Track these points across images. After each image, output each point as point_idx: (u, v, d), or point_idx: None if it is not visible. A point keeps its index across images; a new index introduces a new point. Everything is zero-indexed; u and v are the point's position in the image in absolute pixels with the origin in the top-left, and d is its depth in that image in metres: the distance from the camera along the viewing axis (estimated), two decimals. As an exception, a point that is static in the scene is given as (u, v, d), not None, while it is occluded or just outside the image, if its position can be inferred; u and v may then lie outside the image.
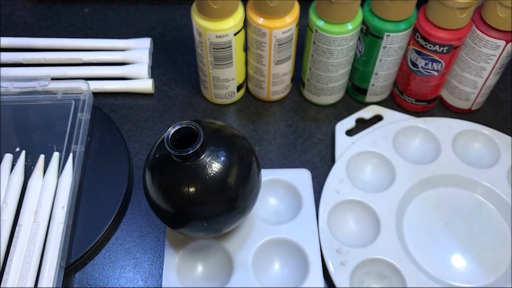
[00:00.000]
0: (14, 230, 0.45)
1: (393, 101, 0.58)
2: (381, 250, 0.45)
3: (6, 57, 0.59)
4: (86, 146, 0.51)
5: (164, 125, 0.56)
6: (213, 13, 0.47)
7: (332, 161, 0.53)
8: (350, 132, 0.54)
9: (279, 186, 0.50)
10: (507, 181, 0.50)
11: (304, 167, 0.52)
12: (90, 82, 0.55)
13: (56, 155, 0.50)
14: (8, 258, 0.43)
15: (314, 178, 0.51)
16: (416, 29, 0.49)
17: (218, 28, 0.48)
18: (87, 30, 0.64)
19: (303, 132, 0.56)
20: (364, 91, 0.56)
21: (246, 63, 0.55)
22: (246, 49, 0.53)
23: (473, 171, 0.50)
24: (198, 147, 0.37)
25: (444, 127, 0.53)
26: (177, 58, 0.62)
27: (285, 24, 0.48)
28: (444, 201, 0.50)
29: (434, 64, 0.50)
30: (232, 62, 0.52)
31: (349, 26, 0.48)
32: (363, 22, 0.50)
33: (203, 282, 0.45)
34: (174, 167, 0.38)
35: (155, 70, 0.60)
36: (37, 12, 0.66)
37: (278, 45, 0.50)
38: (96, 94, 0.57)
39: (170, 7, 0.67)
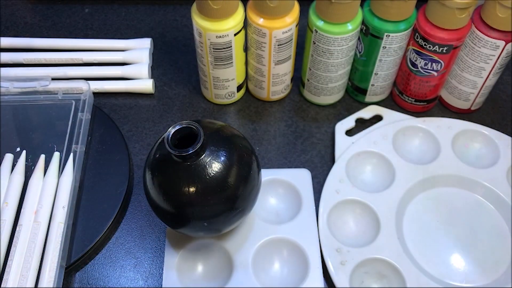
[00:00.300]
0: (15, 230, 0.45)
1: (392, 101, 0.58)
2: (381, 249, 0.46)
3: (7, 57, 0.59)
4: (86, 146, 0.52)
5: (164, 125, 0.56)
6: (213, 14, 0.47)
7: (332, 161, 0.53)
8: (350, 132, 0.54)
9: (279, 186, 0.50)
10: (507, 181, 0.50)
11: (304, 167, 0.52)
12: (90, 82, 0.55)
13: (56, 155, 0.50)
14: (9, 258, 0.44)
15: (314, 178, 0.51)
16: (415, 29, 0.49)
17: (218, 28, 0.48)
18: (87, 30, 0.64)
19: (303, 132, 0.56)
20: (364, 91, 0.56)
21: (246, 63, 0.55)
22: (246, 49, 0.53)
23: (473, 171, 0.51)
24: (198, 147, 0.37)
25: (443, 127, 0.53)
26: (177, 58, 0.62)
27: (285, 25, 0.48)
28: (443, 201, 0.50)
29: (434, 64, 0.50)
30: (232, 62, 0.52)
31: (349, 26, 0.48)
32: (363, 22, 0.50)
33: (203, 282, 0.45)
34: (174, 167, 0.39)
35: (155, 70, 0.60)
36: (37, 12, 0.66)
37: (278, 45, 0.50)
38: (97, 94, 0.57)
39: (170, 7, 0.67)
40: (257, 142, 0.55)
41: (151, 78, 0.59)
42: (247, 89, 0.58)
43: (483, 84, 0.52)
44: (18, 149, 0.51)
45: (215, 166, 0.38)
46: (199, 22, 0.48)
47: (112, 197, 0.49)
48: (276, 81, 0.55)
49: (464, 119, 0.54)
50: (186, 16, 0.66)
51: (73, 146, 0.50)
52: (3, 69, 0.57)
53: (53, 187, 0.48)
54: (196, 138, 0.37)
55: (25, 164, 0.50)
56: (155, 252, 0.48)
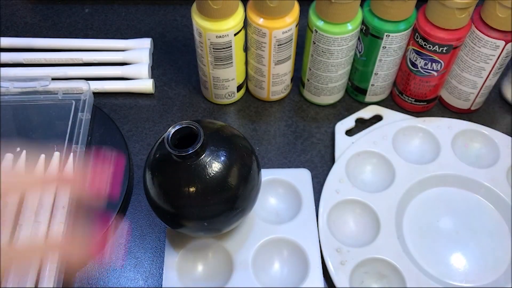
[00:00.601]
0: (15, 230, 0.45)
1: (392, 101, 0.58)
2: (380, 249, 0.46)
3: (7, 57, 0.59)
4: (86, 146, 0.52)
5: (164, 125, 0.56)
6: (213, 14, 0.47)
7: (332, 161, 0.53)
8: (349, 132, 0.54)
9: (279, 186, 0.50)
10: (507, 181, 0.50)
11: (304, 167, 0.52)
12: (90, 82, 0.55)
13: (56, 155, 0.50)
14: (9, 258, 0.44)
15: (314, 178, 0.51)
16: (415, 29, 0.49)
17: (218, 28, 0.48)
18: (87, 30, 0.64)
19: (303, 132, 0.56)
20: (363, 91, 0.56)
21: (246, 63, 0.55)
22: (246, 49, 0.53)
23: (473, 171, 0.51)
24: (198, 147, 0.37)
25: (443, 127, 0.53)
26: (177, 58, 0.62)
27: (285, 24, 0.48)
28: (443, 201, 0.50)
29: (434, 64, 0.50)
30: (232, 62, 0.52)
31: (349, 26, 0.48)
32: (363, 22, 0.50)
33: (203, 281, 0.45)
34: (174, 167, 0.39)
35: (155, 70, 0.60)
36: (37, 12, 0.66)
37: (278, 45, 0.50)
38: (97, 94, 0.57)
39: (170, 7, 0.67)
40: (257, 142, 0.55)
41: (151, 78, 0.59)
42: (247, 89, 0.58)
43: (483, 84, 0.52)
44: (18, 149, 0.51)
45: (215, 166, 0.39)
46: (199, 22, 0.48)
47: (112, 197, 0.49)
48: (276, 81, 0.55)
49: (464, 119, 0.54)
50: (186, 16, 0.66)
51: (73, 146, 0.50)
52: (3, 69, 0.57)
53: (53, 187, 0.48)
54: (196, 138, 0.37)
55: (25, 164, 0.50)
56: (155, 252, 0.48)
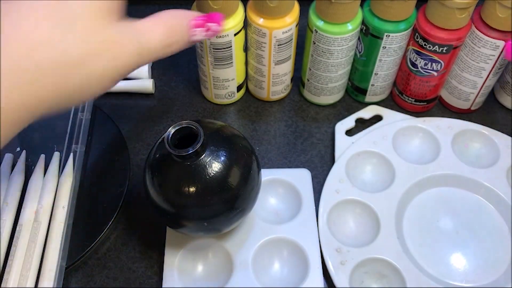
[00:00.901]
0: (15, 230, 0.45)
1: (392, 101, 0.58)
2: (380, 249, 0.46)
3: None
4: (86, 146, 0.51)
5: (164, 125, 0.56)
6: (213, 14, 0.47)
7: (332, 161, 0.53)
8: (349, 132, 0.54)
9: (279, 186, 0.50)
10: (507, 181, 0.50)
11: (304, 167, 0.52)
12: (90, 82, 0.55)
13: (56, 155, 0.50)
14: (9, 258, 0.44)
15: (314, 178, 0.51)
16: (415, 29, 0.49)
17: (218, 28, 0.48)
18: (87, 30, 0.64)
19: (303, 132, 0.56)
20: (363, 91, 0.56)
21: (246, 63, 0.55)
22: (246, 49, 0.53)
23: (473, 171, 0.51)
24: (198, 147, 0.37)
25: (443, 127, 0.53)
26: (177, 58, 0.62)
27: (285, 24, 0.48)
28: (443, 201, 0.50)
29: (434, 64, 0.50)
30: (232, 62, 0.52)
31: (349, 26, 0.48)
32: (363, 22, 0.50)
33: (203, 281, 0.45)
34: (174, 167, 0.39)
35: (155, 70, 0.60)
36: (37, 12, 0.66)
37: (278, 45, 0.50)
38: (97, 94, 0.57)
39: (170, 8, 0.66)
40: (257, 142, 0.55)
41: (151, 78, 0.59)
42: (247, 89, 0.59)
43: (483, 84, 0.52)
44: (18, 148, 0.51)
45: (215, 166, 0.39)
46: (199, 22, 0.48)
47: (112, 197, 0.49)
48: (276, 81, 0.55)
49: (464, 119, 0.54)
50: (186, 16, 0.66)
51: (73, 146, 0.50)
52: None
53: (53, 187, 0.48)
54: (196, 138, 0.37)
55: (25, 164, 0.50)
56: (155, 252, 0.48)
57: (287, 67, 0.54)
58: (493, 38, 0.48)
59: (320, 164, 0.53)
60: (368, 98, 0.57)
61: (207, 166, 0.38)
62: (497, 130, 0.53)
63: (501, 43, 0.48)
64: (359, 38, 0.51)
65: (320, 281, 0.44)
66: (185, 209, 0.40)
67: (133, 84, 0.58)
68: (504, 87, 0.56)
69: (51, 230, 0.45)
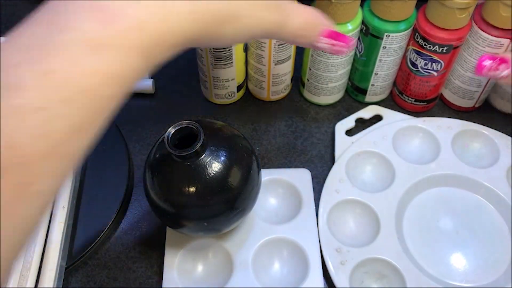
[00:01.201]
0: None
1: (392, 101, 0.58)
2: (380, 249, 0.46)
3: (7, 57, 0.59)
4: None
5: (164, 125, 0.56)
6: (213, 13, 0.47)
7: (332, 161, 0.53)
8: (349, 132, 0.54)
9: (279, 186, 0.50)
10: (507, 181, 0.50)
11: (304, 167, 0.52)
12: (90, 82, 0.55)
13: (56, 155, 0.50)
14: (9, 258, 0.44)
15: (314, 178, 0.51)
16: (415, 29, 0.49)
17: (218, 28, 0.48)
18: (87, 30, 0.64)
19: (303, 132, 0.56)
20: (363, 91, 0.56)
21: (246, 63, 0.55)
22: (246, 49, 0.53)
23: (473, 171, 0.51)
24: (198, 147, 0.37)
25: (443, 127, 0.53)
26: (177, 58, 0.61)
27: (285, 24, 0.48)
28: (443, 201, 0.50)
29: (434, 64, 0.50)
30: (232, 62, 0.52)
31: (349, 26, 0.48)
32: (363, 23, 0.50)
33: (203, 282, 0.45)
34: (174, 167, 0.39)
35: (155, 70, 0.60)
36: (37, 12, 0.66)
37: (278, 45, 0.50)
38: (97, 94, 0.57)
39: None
40: (257, 142, 0.55)
41: (151, 78, 0.59)
42: (247, 89, 0.58)
43: (488, 82, 0.52)
44: (18, 149, 0.51)
45: (215, 166, 0.39)
46: (199, 22, 0.48)
47: (112, 197, 0.49)
48: (276, 81, 0.55)
49: (464, 119, 0.54)
50: (186, 16, 0.66)
51: (73, 146, 0.50)
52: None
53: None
54: (196, 138, 0.37)
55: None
56: (155, 252, 0.48)
57: (287, 67, 0.54)
58: (497, 36, 0.48)
59: (320, 164, 0.53)
60: (368, 98, 0.57)
61: (207, 166, 0.38)
62: (497, 130, 0.53)
63: (505, 41, 0.48)
64: (359, 38, 0.51)
65: (320, 281, 0.44)
66: (185, 209, 0.40)
67: (133, 84, 0.58)
68: (496, 91, 0.56)
69: (51, 230, 0.45)
